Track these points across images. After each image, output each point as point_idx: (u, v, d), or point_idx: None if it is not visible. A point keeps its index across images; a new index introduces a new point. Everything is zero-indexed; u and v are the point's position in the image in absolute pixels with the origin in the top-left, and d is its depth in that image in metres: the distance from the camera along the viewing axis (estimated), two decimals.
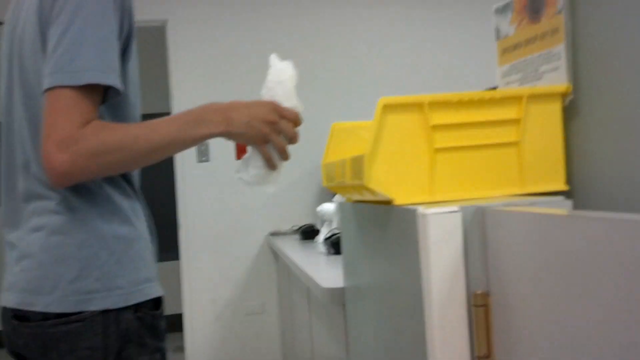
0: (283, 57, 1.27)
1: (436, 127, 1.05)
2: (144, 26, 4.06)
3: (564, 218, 0.65)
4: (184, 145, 1.10)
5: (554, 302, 0.69)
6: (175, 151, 1.11)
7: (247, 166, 1.20)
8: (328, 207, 2.76)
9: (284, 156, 1.20)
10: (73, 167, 1.01)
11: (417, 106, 1.05)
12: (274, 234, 3.85)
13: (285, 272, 3.34)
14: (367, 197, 1.18)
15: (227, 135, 1.14)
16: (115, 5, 1.08)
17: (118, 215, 1.12)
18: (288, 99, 1.20)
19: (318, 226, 3.18)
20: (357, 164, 1.10)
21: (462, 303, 0.86)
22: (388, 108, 1.04)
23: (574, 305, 0.65)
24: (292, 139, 1.19)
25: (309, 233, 3.23)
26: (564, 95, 1.09)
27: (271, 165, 1.20)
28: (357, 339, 1.47)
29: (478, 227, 0.86)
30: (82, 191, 1.11)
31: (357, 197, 1.29)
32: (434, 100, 1.05)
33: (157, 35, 4.22)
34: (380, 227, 1.17)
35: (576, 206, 1.11)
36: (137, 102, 1.21)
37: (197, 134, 1.10)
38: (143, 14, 3.94)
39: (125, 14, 1.11)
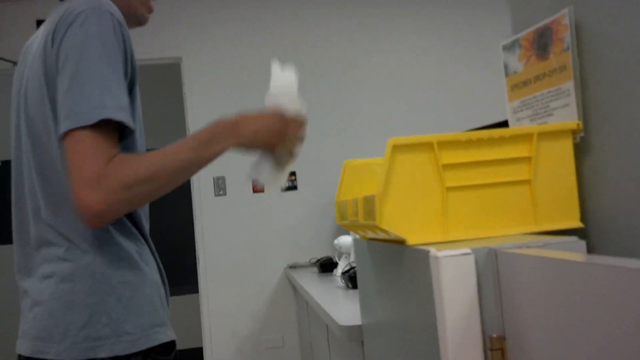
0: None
1: (447, 166, 1.05)
2: (160, 63, 4.15)
3: (577, 264, 0.64)
4: (201, 165, 1.14)
5: (569, 347, 0.69)
6: (194, 172, 1.14)
7: (259, 168, 1.28)
8: (345, 240, 2.75)
9: (292, 157, 1.27)
10: (108, 204, 1.01)
11: (427, 146, 1.05)
12: (292, 266, 3.84)
13: (305, 305, 3.32)
14: (381, 235, 1.18)
15: (239, 147, 1.19)
16: (118, 47, 1.10)
17: (125, 261, 1.13)
18: (291, 103, 1.26)
19: (336, 258, 3.17)
20: (369, 204, 1.10)
21: (478, 346, 0.86)
22: (398, 148, 1.05)
23: (588, 351, 0.65)
24: (300, 140, 1.27)
25: (327, 266, 3.22)
26: (574, 132, 1.09)
27: (280, 167, 1.26)
28: None
29: (491, 269, 0.85)
30: (89, 237, 1.12)
31: (371, 235, 1.29)
32: (443, 140, 1.05)
33: (173, 71, 4.29)
34: (394, 266, 1.17)
35: (591, 243, 1.10)
36: (142, 143, 1.24)
37: (212, 152, 1.14)
38: (159, 52, 4.02)
39: (127, 55, 1.13)
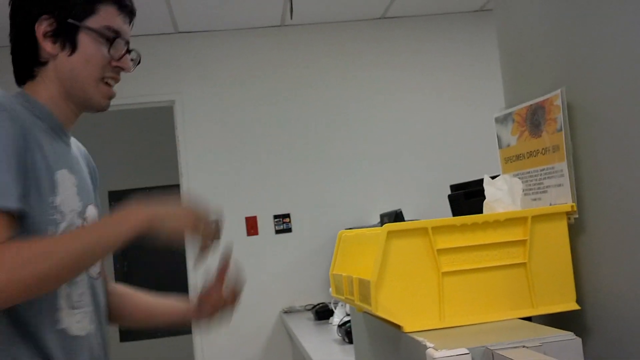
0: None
1: (442, 251, 1.05)
2: (153, 107, 4.17)
3: None
4: (108, 244, 1.16)
5: None
6: (100, 253, 1.17)
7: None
8: None
9: (205, 250, 1.26)
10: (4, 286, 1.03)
11: (421, 231, 1.04)
12: (287, 311, 3.81)
13: (301, 355, 3.29)
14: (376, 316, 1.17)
15: (141, 229, 1.17)
16: (5, 136, 1.12)
17: None
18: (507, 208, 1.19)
19: (332, 305, 3.14)
20: (365, 288, 1.09)
21: None
22: (392, 234, 1.04)
23: None
24: (211, 237, 1.26)
25: (323, 313, 3.20)
26: (569, 213, 1.08)
27: (200, 253, 1.27)
28: None
29: None
30: None
31: (367, 311, 1.27)
32: (437, 225, 1.04)
33: (166, 114, 4.31)
34: (391, 347, 1.15)
35: (587, 325, 1.09)
36: (66, 221, 1.25)
37: (119, 230, 1.15)
38: (151, 95, 4.04)
39: (19, 143, 1.14)
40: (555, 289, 1.07)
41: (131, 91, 3.99)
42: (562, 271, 1.08)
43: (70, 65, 1.27)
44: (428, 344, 0.90)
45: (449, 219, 1.06)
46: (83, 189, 1.35)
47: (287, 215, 4.01)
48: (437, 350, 0.86)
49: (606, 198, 1.04)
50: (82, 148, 1.49)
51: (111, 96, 1.34)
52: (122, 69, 1.32)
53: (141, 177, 5.89)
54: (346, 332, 2.35)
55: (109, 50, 1.29)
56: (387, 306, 1.04)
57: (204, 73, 4.08)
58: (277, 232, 3.99)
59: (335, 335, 2.56)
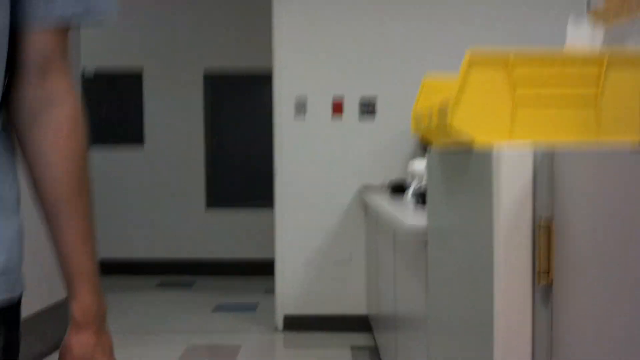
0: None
1: (518, 81, 1.16)
2: None
3: (629, 155, 0.75)
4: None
5: (613, 235, 0.80)
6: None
7: None
8: (419, 164, 2.87)
9: None
10: None
11: (502, 60, 1.15)
12: (366, 187, 4.01)
13: (374, 222, 3.50)
14: (451, 141, 1.30)
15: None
16: None
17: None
18: None
19: (408, 182, 3.30)
20: (443, 109, 1.23)
21: (528, 227, 0.98)
22: (474, 60, 1.16)
23: (630, 237, 0.76)
24: None
25: (398, 188, 3.36)
26: None
27: None
28: (436, 277, 1.61)
29: (548, 165, 0.96)
30: None
31: (442, 141, 1.41)
32: (518, 55, 1.15)
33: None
34: (460, 172, 1.30)
35: None
36: None
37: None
38: None
39: None
40: (622, 124, 1.17)
41: None
42: (631, 110, 1.17)
43: None
44: (494, 146, 1.03)
45: (530, 50, 1.16)
46: None
47: (374, 98, 4.13)
48: (501, 149, 1.00)
49: None
50: None
51: None
52: None
53: (235, 59, 6.09)
54: (419, 195, 2.51)
55: None
56: (462, 126, 1.17)
57: None
58: (362, 113, 4.13)
59: (409, 202, 2.73)
